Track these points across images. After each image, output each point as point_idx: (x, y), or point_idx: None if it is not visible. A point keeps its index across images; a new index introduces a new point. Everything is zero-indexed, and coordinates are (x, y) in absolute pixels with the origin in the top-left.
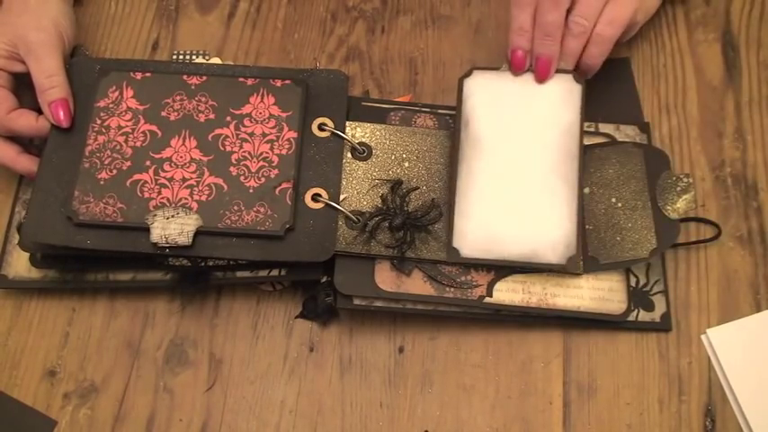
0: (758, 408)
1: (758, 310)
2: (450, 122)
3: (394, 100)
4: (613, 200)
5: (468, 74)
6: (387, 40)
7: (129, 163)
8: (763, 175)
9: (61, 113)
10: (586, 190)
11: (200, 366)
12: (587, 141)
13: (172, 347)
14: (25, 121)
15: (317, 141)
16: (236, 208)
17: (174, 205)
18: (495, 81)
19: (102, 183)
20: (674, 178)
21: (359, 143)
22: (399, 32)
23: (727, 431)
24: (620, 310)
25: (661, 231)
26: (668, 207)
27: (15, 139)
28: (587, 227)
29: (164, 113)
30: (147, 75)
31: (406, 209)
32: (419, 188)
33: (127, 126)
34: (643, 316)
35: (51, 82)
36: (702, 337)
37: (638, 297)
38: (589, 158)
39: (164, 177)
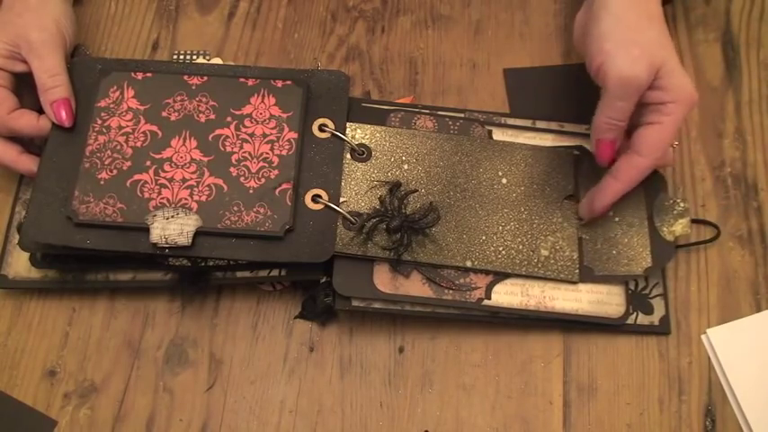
0: (758, 408)
1: (758, 310)
2: (450, 124)
3: (396, 101)
4: (610, 213)
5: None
6: (387, 40)
7: (129, 163)
8: (763, 175)
9: (63, 113)
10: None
11: (200, 366)
12: (589, 146)
13: (172, 347)
14: (26, 121)
15: (318, 142)
16: (235, 208)
17: (173, 205)
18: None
19: (102, 183)
20: (671, 201)
21: (358, 144)
22: (399, 32)
23: (727, 431)
24: (619, 313)
25: (656, 251)
26: (665, 229)
27: (15, 138)
28: (584, 236)
29: (164, 114)
30: (148, 75)
31: (403, 211)
32: (418, 191)
33: (127, 126)
34: (642, 319)
35: (54, 81)
36: (702, 337)
37: (637, 300)
38: (589, 168)
39: (164, 177)
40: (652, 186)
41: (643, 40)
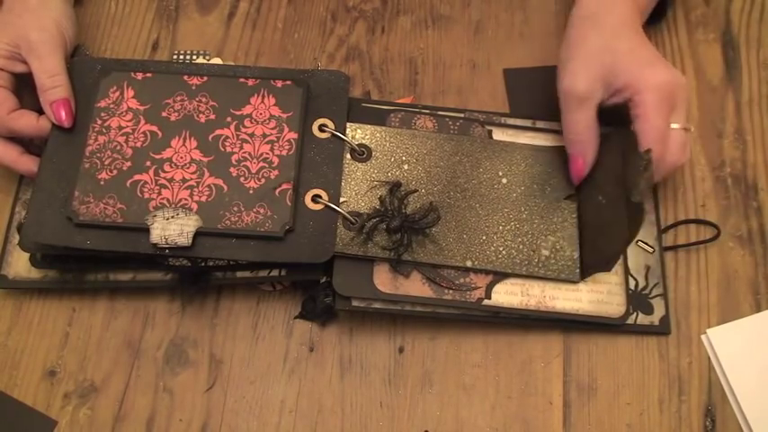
0: (758, 408)
1: (758, 310)
2: (450, 124)
3: (396, 101)
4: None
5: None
6: (387, 40)
7: (129, 163)
8: (763, 175)
9: (63, 113)
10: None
11: (200, 366)
12: None
13: (172, 347)
14: (26, 122)
15: (318, 142)
16: (235, 209)
17: (173, 206)
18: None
19: (102, 183)
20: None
21: (358, 144)
22: (399, 32)
23: (727, 431)
24: (619, 313)
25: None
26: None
27: (16, 139)
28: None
29: (164, 114)
30: (148, 75)
31: (404, 211)
32: (418, 191)
33: (127, 126)
34: (642, 319)
35: (54, 81)
36: (702, 337)
37: (637, 300)
38: None
39: (164, 178)
40: (627, 149)
41: (582, 53)
